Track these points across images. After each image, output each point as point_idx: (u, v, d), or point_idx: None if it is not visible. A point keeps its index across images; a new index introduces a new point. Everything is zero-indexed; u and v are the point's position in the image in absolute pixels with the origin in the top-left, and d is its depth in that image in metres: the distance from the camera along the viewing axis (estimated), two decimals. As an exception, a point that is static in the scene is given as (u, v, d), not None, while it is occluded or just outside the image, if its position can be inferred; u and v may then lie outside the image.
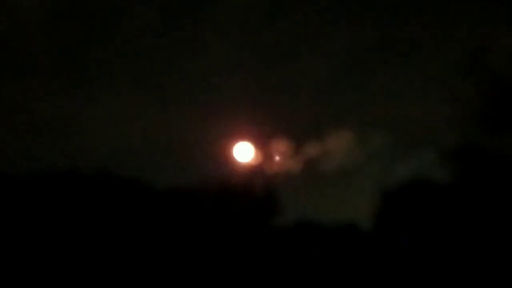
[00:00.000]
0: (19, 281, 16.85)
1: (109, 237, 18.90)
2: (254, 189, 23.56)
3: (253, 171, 29.04)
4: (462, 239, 15.21)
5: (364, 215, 25.34)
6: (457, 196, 14.84)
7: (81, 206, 19.16)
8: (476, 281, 14.47)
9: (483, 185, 14.32)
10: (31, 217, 18.63)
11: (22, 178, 20.94)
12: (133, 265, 18.58)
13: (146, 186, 22.37)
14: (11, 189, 19.35)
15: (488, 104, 13.93)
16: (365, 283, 19.38)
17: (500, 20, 14.10)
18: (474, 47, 13.90)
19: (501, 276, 13.74)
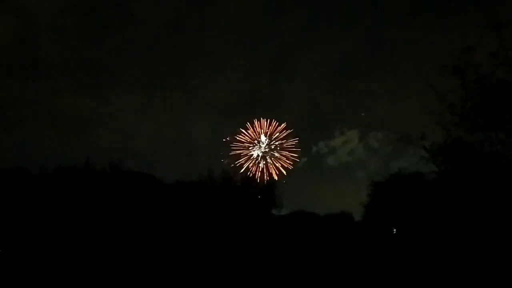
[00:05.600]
0: (42, 264, 18.28)
1: (122, 228, 20.09)
2: (257, 183, 24.78)
3: (258, 167, 30.28)
4: (450, 228, 16.56)
5: (361, 205, 26.86)
6: (444, 188, 16.07)
7: (94, 199, 20.26)
8: (462, 266, 15.93)
9: (468, 178, 15.51)
10: (48, 210, 19.77)
11: (39, 174, 21.96)
12: (141, 255, 19.92)
13: (155, 180, 23.50)
14: (31, 184, 20.36)
15: (472, 103, 14.94)
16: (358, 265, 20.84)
17: (486, 25, 14.88)
18: (460, 51, 14.79)
19: (485, 260, 15.15)
